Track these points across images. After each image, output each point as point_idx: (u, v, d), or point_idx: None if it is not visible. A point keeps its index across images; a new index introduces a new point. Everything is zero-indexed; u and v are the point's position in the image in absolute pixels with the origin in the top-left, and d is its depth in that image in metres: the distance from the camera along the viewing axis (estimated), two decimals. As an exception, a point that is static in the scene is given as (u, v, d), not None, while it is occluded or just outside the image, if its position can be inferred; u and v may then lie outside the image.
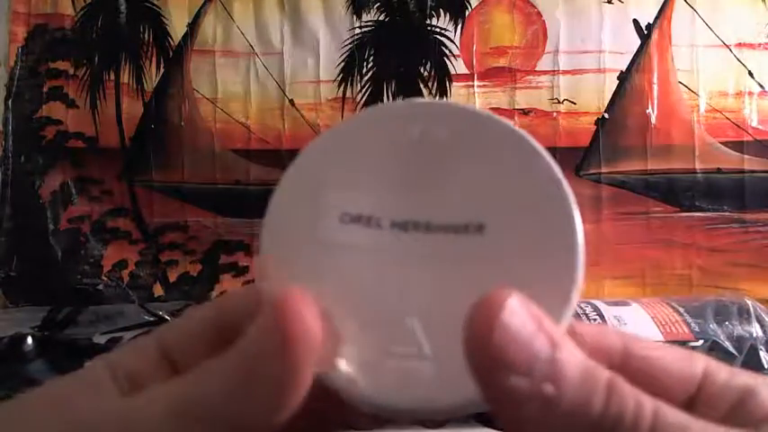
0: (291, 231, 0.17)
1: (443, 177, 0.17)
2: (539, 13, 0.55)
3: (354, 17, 0.55)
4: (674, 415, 0.14)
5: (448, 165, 0.17)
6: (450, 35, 0.55)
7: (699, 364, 0.17)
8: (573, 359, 0.14)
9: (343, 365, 0.15)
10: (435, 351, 0.16)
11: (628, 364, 0.17)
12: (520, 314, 0.14)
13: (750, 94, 0.54)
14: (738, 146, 0.54)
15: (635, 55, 0.54)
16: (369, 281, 0.17)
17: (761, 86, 0.54)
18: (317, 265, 0.17)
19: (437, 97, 0.54)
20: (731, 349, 0.43)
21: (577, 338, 0.16)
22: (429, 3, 0.55)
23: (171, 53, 0.55)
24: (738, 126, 0.54)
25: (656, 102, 0.54)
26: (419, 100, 0.18)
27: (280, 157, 0.54)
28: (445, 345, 0.15)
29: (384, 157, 0.18)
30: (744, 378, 0.17)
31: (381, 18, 0.55)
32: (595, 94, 0.54)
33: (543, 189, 0.17)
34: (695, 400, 0.17)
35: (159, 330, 0.18)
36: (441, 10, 0.55)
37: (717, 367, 0.17)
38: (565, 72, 0.54)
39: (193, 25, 0.55)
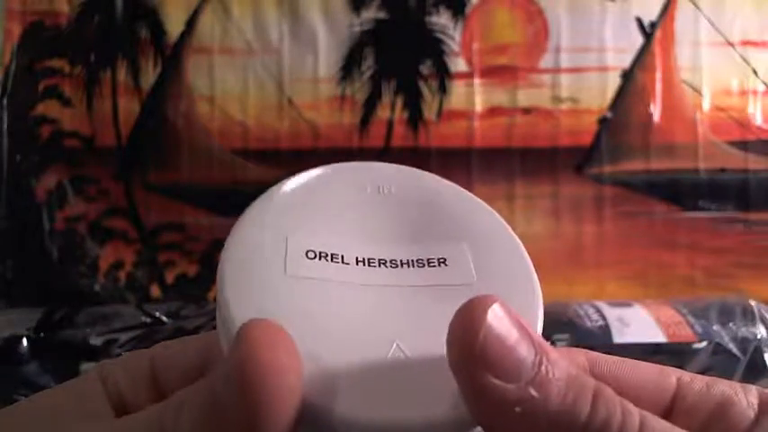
0: (255, 267, 0.17)
1: (399, 223, 0.19)
2: (540, 11, 0.54)
3: (353, 15, 0.54)
4: (660, 424, 0.14)
5: (401, 212, 0.19)
6: (451, 33, 0.54)
7: (671, 376, 0.17)
8: (559, 364, 0.14)
9: (320, 392, 0.15)
10: (413, 371, 0.16)
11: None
12: (504, 319, 0.14)
13: (755, 92, 0.54)
14: (742, 145, 0.54)
15: (638, 53, 0.54)
16: (339, 309, 0.17)
17: (766, 85, 0.54)
18: (285, 297, 0.17)
19: (437, 95, 0.54)
20: (735, 351, 0.43)
21: None
22: (429, 0, 0.54)
23: (168, 51, 0.54)
24: (743, 125, 0.54)
25: (659, 100, 0.54)
26: (359, 163, 0.21)
27: (278, 157, 0.53)
28: (424, 364, 0.16)
29: (342, 207, 0.19)
30: (721, 387, 0.16)
31: (381, 16, 0.54)
32: (598, 92, 0.54)
33: (486, 224, 0.19)
34: (670, 412, 0.16)
35: (155, 349, 0.18)
36: (441, 7, 0.54)
37: (690, 378, 0.17)
38: (567, 70, 0.54)
39: (191, 23, 0.54)
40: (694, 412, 0.16)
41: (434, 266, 0.18)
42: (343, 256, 0.18)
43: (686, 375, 0.17)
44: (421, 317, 0.17)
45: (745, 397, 0.16)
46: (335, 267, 0.17)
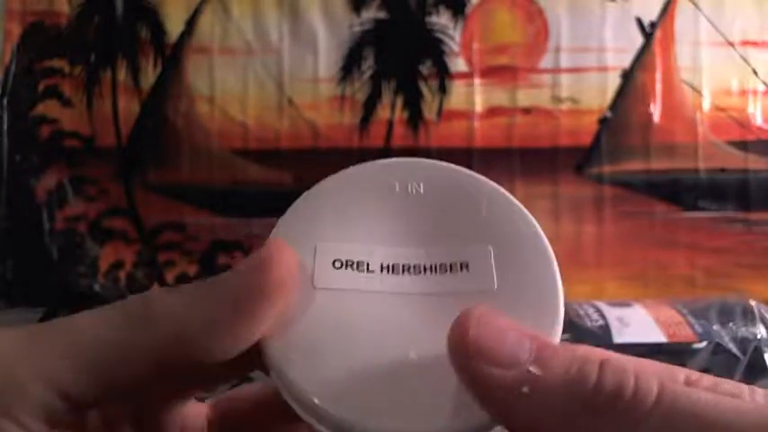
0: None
1: (426, 225, 0.19)
2: (540, 11, 0.54)
3: (354, 15, 0.54)
4: (681, 388, 0.14)
5: (429, 214, 0.19)
6: (451, 33, 0.54)
7: (679, 374, 0.17)
8: (556, 347, 0.15)
9: (341, 396, 0.16)
10: (432, 380, 0.16)
11: None
12: (494, 319, 0.15)
13: (754, 92, 0.54)
14: (742, 145, 0.53)
15: (638, 53, 0.54)
16: (361, 321, 0.18)
17: (765, 85, 0.54)
18: (313, 309, 0.17)
19: (437, 95, 0.54)
20: (735, 351, 0.43)
21: None
22: (429, 0, 0.54)
23: (168, 51, 0.54)
24: (742, 125, 0.54)
25: (659, 100, 0.54)
26: (396, 160, 0.20)
27: (278, 157, 0.53)
28: (441, 374, 0.16)
29: (369, 210, 0.19)
30: (728, 387, 0.16)
31: (381, 16, 0.54)
32: (598, 92, 0.54)
33: (515, 226, 0.19)
34: None
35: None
36: (441, 7, 0.54)
37: (698, 377, 0.17)
38: (567, 70, 0.54)
39: (191, 23, 0.54)
40: None
41: (457, 272, 0.18)
42: (368, 264, 0.18)
43: (694, 374, 0.17)
44: (438, 327, 0.17)
45: (751, 398, 0.16)
46: (360, 277, 0.18)
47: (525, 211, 0.19)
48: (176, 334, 0.16)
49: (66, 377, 0.15)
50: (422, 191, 0.20)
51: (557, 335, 0.17)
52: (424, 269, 0.18)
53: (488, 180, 0.20)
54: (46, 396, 0.15)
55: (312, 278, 0.18)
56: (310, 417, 0.16)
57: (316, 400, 0.16)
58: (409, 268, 0.18)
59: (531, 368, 0.14)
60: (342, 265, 0.18)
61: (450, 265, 0.18)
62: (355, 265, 0.18)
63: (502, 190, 0.20)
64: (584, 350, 0.15)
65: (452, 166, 0.20)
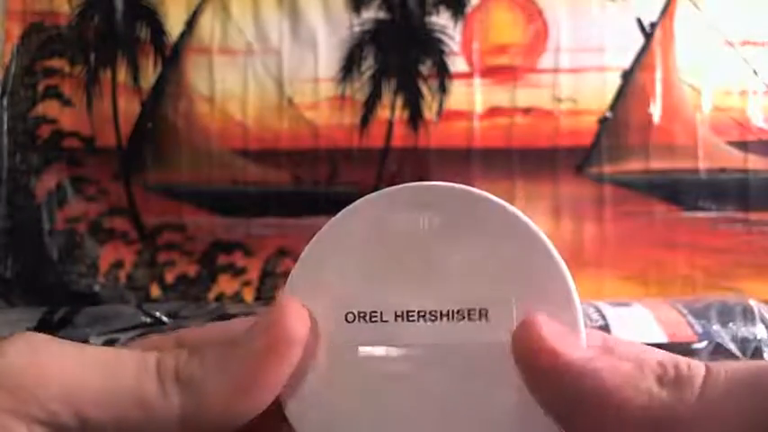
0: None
1: (443, 264, 0.18)
2: (540, 11, 0.54)
3: (353, 15, 0.54)
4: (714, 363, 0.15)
5: (447, 251, 0.18)
6: (451, 33, 0.54)
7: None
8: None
9: None
10: None
11: None
12: (555, 322, 0.16)
13: (755, 92, 0.54)
14: (743, 145, 0.53)
15: (638, 53, 0.54)
16: (375, 379, 0.18)
17: (766, 85, 0.54)
18: (327, 366, 0.18)
19: (437, 95, 0.54)
20: (735, 351, 0.43)
21: None
22: (429, 0, 0.54)
23: (168, 51, 0.54)
24: (743, 125, 0.54)
25: (659, 100, 0.54)
26: (413, 185, 0.19)
27: (278, 157, 0.53)
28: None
29: (383, 250, 0.18)
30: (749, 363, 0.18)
31: (381, 16, 0.54)
32: (597, 92, 0.54)
33: (543, 272, 0.17)
34: None
35: (180, 331, 0.20)
36: (441, 7, 0.54)
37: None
38: (566, 70, 0.54)
39: (191, 23, 0.54)
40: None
41: (475, 320, 0.17)
42: (381, 314, 0.18)
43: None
44: (453, 386, 0.17)
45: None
46: (373, 329, 0.18)
47: (554, 252, 0.18)
48: (198, 404, 0.16)
49: (89, 409, 0.16)
50: (438, 224, 0.18)
51: None
52: (441, 316, 0.18)
53: (517, 211, 0.18)
54: (63, 413, 0.15)
55: (326, 334, 0.18)
56: None
57: None
58: (424, 315, 0.18)
59: (600, 351, 0.16)
60: (354, 317, 0.18)
61: (469, 312, 0.17)
62: (368, 317, 0.18)
63: (531, 225, 0.18)
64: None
65: (474, 191, 0.18)
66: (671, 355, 0.15)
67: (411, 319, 0.18)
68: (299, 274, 0.18)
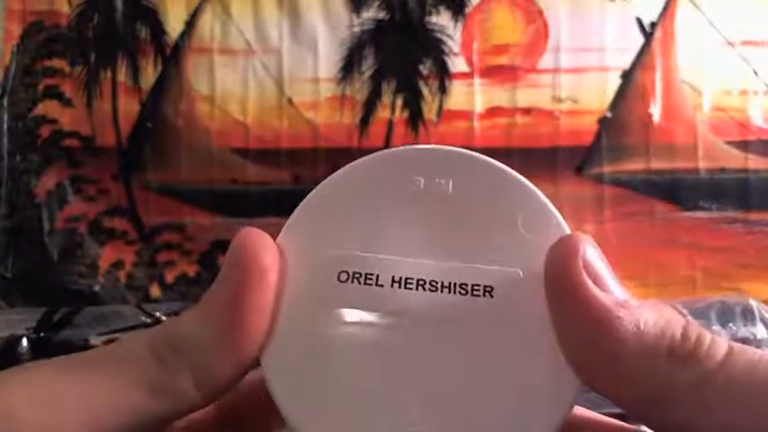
0: (291, 290, 0.17)
1: (450, 233, 0.17)
2: (540, 11, 0.54)
3: (353, 15, 0.54)
4: (745, 349, 0.14)
5: (455, 219, 0.17)
6: (451, 33, 0.54)
7: None
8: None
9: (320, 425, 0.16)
10: (438, 423, 0.15)
11: None
12: (599, 256, 0.15)
13: (755, 92, 0.54)
14: (743, 145, 0.53)
15: (638, 53, 0.54)
16: (365, 349, 0.16)
17: (766, 85, 0.54)
18: (314, 325, 0.16)
19: (437, 95, 0.54)
20: (735, 351, 0.43)
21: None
22: (429, 0, 0.54)
23: (168, 51, 0.54)
24: (743, 125, 0.54)
25: (659, 100, 0.54)
26: (423, 146, 0.17)
27: (278, 156, 0.53)
28: (451, 423, 0.15)
29: (386, 210, 0.17)
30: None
31: (381, 16, 0.54)
32: (598, 92, 0.54)
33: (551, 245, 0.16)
34: None
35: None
36: (441, 7, 0.54)
37: None
38: (567, 70, 0.54)
39: (191, 23, 0.54)
40: None
41: (478, 296, 0.16)
42: (378, 277, 0.16)
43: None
44: (448, 366, 0.16)
45: None
46: (367, 292, 0.16)
47: (563, 223, 0.16)
48: (200, 360, 0.16)
49: (108, 420, 0.15)
50: (450, 189, 0.17)
51: (572, 402, 0.16)
52: (442, 287, 0.16)
53: (534, 188, 0.17)
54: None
55: (316, 292, 0.16)
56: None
57: (295, 425, 0.16)
58: (424, 284, 0.16)
59: (631, 301, 0.15)
60: (348, 277, 0.16)
61: (473, 287, 0.16)
62: (363, 278, 0.16)
63: (548, 203, 0.17)
64: None
65: (491, 161, 0.17)
66: (697, 326, 0.15)
67: (409, 286, 0.16)
68: (292, 230, 0.17)
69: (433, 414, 0.15)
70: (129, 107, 0.54)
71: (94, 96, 0.54)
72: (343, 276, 0.16)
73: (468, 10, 0.54)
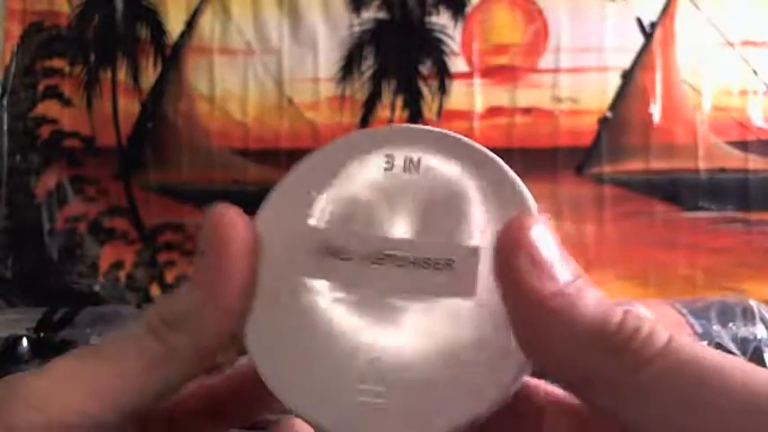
0: (269, 262, 0.18)
1: (418, 210, 0.18)
2: (540, 11, 0.54)
3: (353, 15, 0.54)
4: (687, 340, 0.14)
5: (423, 196, 0.18)
6: (451, 33, 0.54)
7: None
8: (593, 286, 0.16)
9: (312, 396, 0.17)
10: (395, 393, 0.16)
11: None
12: (548, 236, 0.16)
13: (755, 92, 0.54)
14: (743, 145, 0.53)
15: (638, 53, 0.54)
16: (336, 316, 0.17)
17: (766, 85, 0.54)
18: (285, 296, 0.17)
19: (437, 95, 0.54)
20: (735, 351, 0.43)
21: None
22: (429, 0, 0.54)
23: (168, 51, 0.54)
24: (743, 125, 0.54)
25: (659, 100, 0.54)
26: (394, 125, 0.19)
27: (278, 156, 0.53)
28: (407, 385, 0.16)
29: (357, 188, 0.18)
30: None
31: (381, 16, 0.54)
32: (598, 92, 0.54)
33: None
34: None
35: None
36: (441, 7, 0.54)
37: None
38: (567, 70, 0.54)
39: (191, 23, 0.54)
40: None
41: (440, 269, 0.17)
42: (348, 251, 0.18)
43: None
44: (408, 333, 0.17)
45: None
46: (339, 266, 0.17)
47: (528, 196, 0.17)
48: (194, 331, 0.17)
49: (117, 396, 0.17)
50: (420, 167, 0.18)
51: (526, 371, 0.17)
52: (407, 262, 0.17)
53: (502, 163, 0.18)
54: (101, 412, 0.16)
55: (291, 264, 0.18)
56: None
57: (282, 397, 0.17)
58: (392, 260, 0.17)
59: (570, 289, 0.15)
60: (321, 251, 0.18)
61: (435, 262, 0.17)
62: (334, 252, 0.18)
63: (516, 179, 0.18)
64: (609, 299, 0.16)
65: (462, 138, 0.18)
66: (638, 315, 0.15)
67: (377, 260, 0.17)
68: (270, 205, 0.18)
69: (390, 381, 0.17)
70: (130, 107, 0.54)
71: (95, 96, 0.54)
72: (317, 252, 0.18)
73: (468, 10, 0.54)
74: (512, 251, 0.15)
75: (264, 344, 0.17)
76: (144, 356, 0.17)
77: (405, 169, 0.18)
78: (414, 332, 0.17)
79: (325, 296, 0.17)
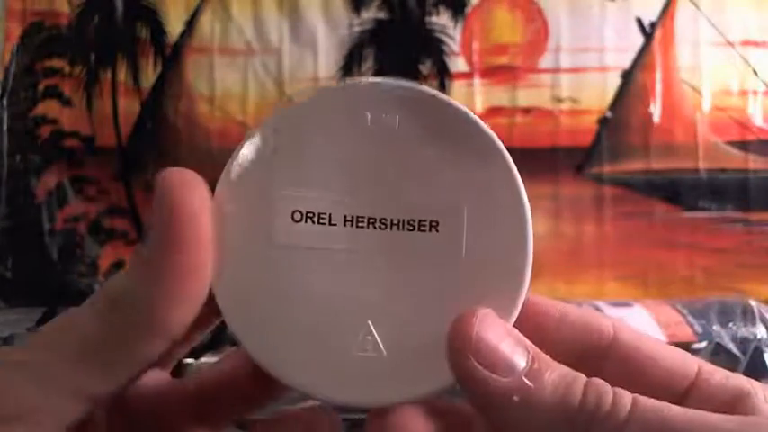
0: (241, 232, 0.17)
1: (398, 170, 0.17)
2: (540, 11, 0.54)
3: (353, 15, 0.54)
4: (653, 402, 0.15)
5: (404, 155, 0.17)
6: (451, 33, 0.54)
7: (693, 363, 0.17)
8: (551, 363, 0.16)
9: (299, 362, 0.16)
10: (389, 348, 0.17)
11: (616, 349, 0.17)
12: (496, 326, 0.16)
13: (755, 92, 0.54)
14: (742, 145, 0.53)
15: (638, 53, 0.54)
16: (322, 280, 0.17)
17: (765, 85, 0.54)
18: (271, 265, 0.17)
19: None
20: (735, 351, 0.43)
21: (565, 320, 0.18)
22: (429, 0, 0.54)
23: (168, 51, 0.54)
24: (742, 125, 0.54)
25: (659, 100, 0.54)
26: (368, 79, 0.18)
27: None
28: (399, 341, 0.16)
29: (336, 149, 0.17)
30: (739, 380, 0.17)
31: (381, 16, 0.54)
32: (598, 92, 0.54)
33: (497, 186, 0.17)
34: (686, 397, 0.17)
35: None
36: (441, 7, 0.54)
37: (711, 369, 0.17)
38: (567, 70, 0.54)
39: (191, 23, 0.54)
40: (709, 400, 0.16)
41: (425, 230, 0.17)
42: (330, 216, 0.17)
43: (708, 366, 0.17)
44: (398, 293, 0.17)
45: (762, 393, 0.16)
46: (322, 231, 0.17)
47: (514, 170, 0.17)
48: (137, 309, 0.15)
49: (83, 378, 0.16)
50: (396, 125, 0.17)
51: (515, 313, 0.17)
52: (391, 224, 0.17)
53: (481, 122, 0.18)
54: (66, 400, 0.16)
55: (270, 232, 0.17)
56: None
57: (267, 369, 0.16)
58: (375, 222, 0.17)
59: (525, 379, 0.15)
60: (302, 217, 0.17)
61: (420, 223, 0.17)
62: (316, 218, 0.17)
63: (494, 137, 0.18)
64: (571, 371, 0.16)
65: (438, 95, 0.18)
66: (598, 384, 0.15)
67: (360, 225, 0.17)
68: (244, 162, 0.17)
69: (380, 341, 0.17)
70: (130, 107, 0.54)
71: (95, 96, 0.54)
72: (297, 216, 0.17)
73: (468, 10, 0.54)
74: (462, 355, 0.15)
75: (239, 309, 0.17)
76: (88, 346, 0.15)
77: (382, 128, 0.17)
78: (400, 291, 0.17)
79: (305, 257, 0.17)
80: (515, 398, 0.15)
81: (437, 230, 0.17)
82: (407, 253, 0.17)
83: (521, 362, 0.15)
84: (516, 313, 0.17)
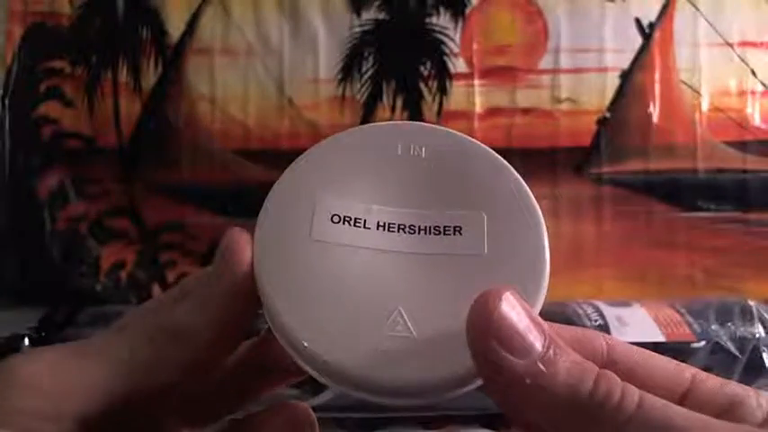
0: (283, 229, 0.19)
1: (424, 188, 0.20)
2: (540, 11, 0.54)
3: (354, 15, 0.54)
4: (659, 400, 0.15)
5: (428, 177, 0.20)
6: (451, 34, 0.54)
7: (686, 371, 0.18)
8: (566, 349, 0.16)
9: (336, 339, 0.18)
10: (420, 334, 0.18)
11: (610, 366, 0.18)
12: (517, 307, 0.16)
13: (753, 93, 0.54)
14: (741, 145, 0.54)
15: (637, 53, 0.54)
16: (354, 271, 0.19)
17: (764, 86, 0.54)
18: (309, 259, 0.19)
19: (437, 96, 0.54)
20: (733, 350, 0.43)
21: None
22: (429, 1, 0.54)
23: (169, 52, 0.54)
24: (741, 125, 0.54)
25: (658, 101, 0.54)
26: (398, 122, 0.21)
27: (279, 157, 0.53)
28: (428, 325, 0.18)
29: (371, 169, 0.20)
30: (734, 388, 0.17)
31: (381, 16, 0.54)
32: (597, 92, 0.54)
33: (511, 197, 0.20)
34: (682, 405, 0.17)
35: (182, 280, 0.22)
36: (441, 8, 0.54)
37: (706, 376, 0.17)
38: (566, 71, 0.54)
39: (192, 24, 0.54)
40: (704, 407, 0.16)
41: (449, 234, 0.19)
42: (365, 221, 0.19)
43: (702, 374, 0.18)
44: (426, 284, 0.19)
45: (756, 399, 0.17)
46: (357, 232, 0.19)
47: (522, 183, 0.20)
48: (190, 347, 0.18)
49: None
50: (423, 154, 0.20)
51: (539, 303, 0.18)
52: (419, 230, 0.19)
53: (490, 150, 0.21)
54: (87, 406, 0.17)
55: (310, 230, 0.19)
56: (295, 354, 0.18)
57: (304, 343, 0.18)
58: (404, 228, 0.19)
59: (539, 363, 0.15)
60: (339, 220, 0.19)
61: (444, 228, 0.19)
62: (352, 221, 0.19)
63: (503, 161, 0.20)
64: (585, 360, 0.16)
65: (456, 133, 0.21)
66: (609, 378, 0.15)
67: (392, 230, 0.19)
68: (291, 174, 0.20)
69: (412, 326, 0.18)
70: (131, 108, 0.54)
71: (96, 97, 0.54)
72: (335, 219, 0.19)
73: (468, 10, 0.54)
74: (481, 331, 0.16)
75: (279, 290, 0.18)
76: (138, 365, 0.18)
77: (411, 156, 0.20)
78: (428, 282, 0.18)
79: (340, 252, 0.19)
80: (527, 380, 0.15)
81: (460, 234, 0.19)
82: (434, 251, 0.19)
83: (537, 345, 0.16)
84: (541, 300, 0.18)
